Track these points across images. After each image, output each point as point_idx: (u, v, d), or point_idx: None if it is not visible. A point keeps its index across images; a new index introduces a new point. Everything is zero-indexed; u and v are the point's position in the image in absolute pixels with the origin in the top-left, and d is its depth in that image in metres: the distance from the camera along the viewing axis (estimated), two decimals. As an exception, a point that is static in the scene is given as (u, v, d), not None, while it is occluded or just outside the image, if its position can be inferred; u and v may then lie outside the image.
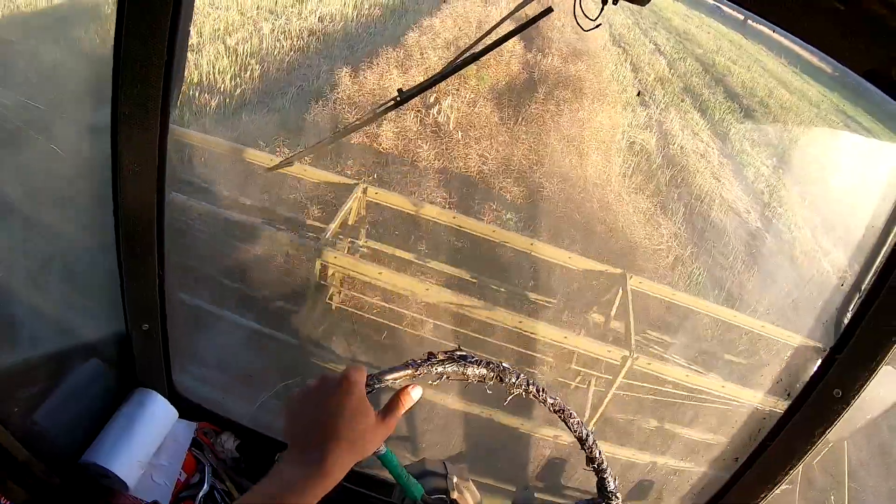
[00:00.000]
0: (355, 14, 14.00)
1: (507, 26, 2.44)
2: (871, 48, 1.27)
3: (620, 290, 5.40)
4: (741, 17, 26.14)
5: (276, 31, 11.94)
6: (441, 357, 1.46)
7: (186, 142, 5.54)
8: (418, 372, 1.43)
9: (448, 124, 9.81)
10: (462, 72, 10.37)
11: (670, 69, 18.82)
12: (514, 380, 1.51)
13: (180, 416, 2.35)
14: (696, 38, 25.71)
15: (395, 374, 1.42)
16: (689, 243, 9.36)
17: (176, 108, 1.74)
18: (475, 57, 2.46)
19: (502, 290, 5.99)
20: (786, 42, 24.37)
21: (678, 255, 8.96)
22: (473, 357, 1.49)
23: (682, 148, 12.87)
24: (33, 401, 2.02)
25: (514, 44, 13.28)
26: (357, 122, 4.10)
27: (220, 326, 4.82)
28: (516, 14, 2.74)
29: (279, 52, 11.39)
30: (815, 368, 1.79)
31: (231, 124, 8.63)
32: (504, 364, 1.51)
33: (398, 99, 2.66)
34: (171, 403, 2.31)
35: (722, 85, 19.38)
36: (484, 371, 1.49)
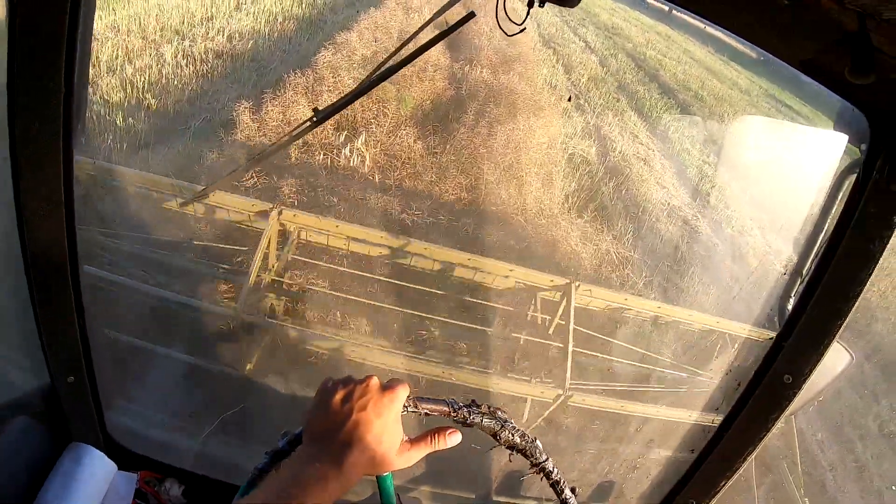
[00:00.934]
0: (267, 30, 12.58)
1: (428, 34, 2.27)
2: (807, 41, 1.29)
3: (564, 300, 5.10)
4: (665, 9, 26.60)
5: (178, 56, 10.59)
6: (484, 409, 1.43)
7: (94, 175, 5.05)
8: (456, 413, 1.39)
9: (363, 165, 8.32)
10: (381, 94, 9.39)
11: (603, 67, 18.38)
12: (541, 458, 1.51)
13: (120, 467, 2.22)
14: (624, 32, 25.54)
15: (433, 406, 1.36)
16: (644, 267, 8.67)
17: (78, 142, 1.59)
18: (393, 69, 2.36)
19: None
20: (710, 30, 24.64)
21: (628, 277, 8.37)
22: (511, 423, 1.46)
23: (622, 154, 12.13)
24: None
25: (440, 55, 12.08)
26: (272, 147, 3.76)
27: (153, 365, 4.53)
28: (438, 21, 2.61)
29: (181, 81, 9.99)
30: (763, 356, 1.80)
31: (132, 163, 7.54)
32: (537, 441, 1.50)
33: (314, 119, 2.56)
34: (109, 454, 2.18)
35: (656, 81, 19.08)
36: (516, 440, 1.47)
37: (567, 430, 5.22)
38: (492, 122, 10.17)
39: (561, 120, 12.12)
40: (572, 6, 1.49)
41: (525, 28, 1.75)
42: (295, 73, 10.12)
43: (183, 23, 12.17)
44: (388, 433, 1.21)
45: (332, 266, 5.52)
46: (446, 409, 1.38)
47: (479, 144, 9.51)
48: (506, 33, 1.78)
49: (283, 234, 5.24)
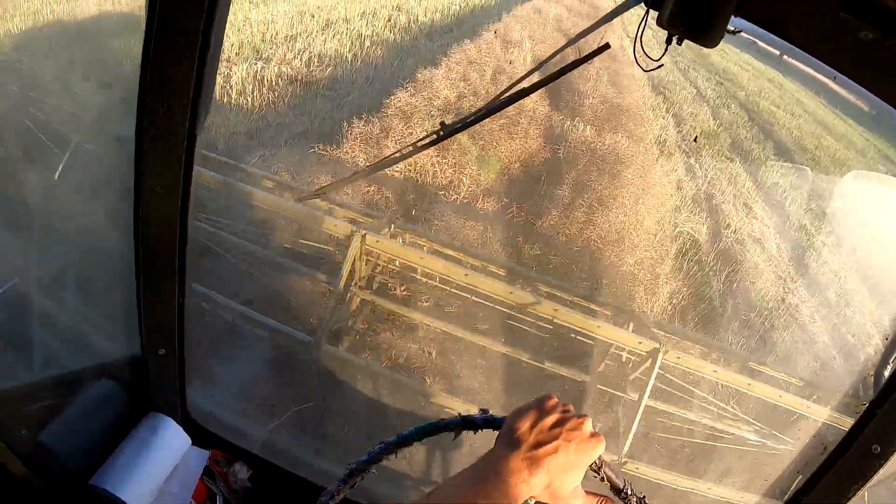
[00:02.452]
0: (350, 56, 11.04)
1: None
2: None
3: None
4: (776, 53, 27.13)
5: (247, 79, 9.17)
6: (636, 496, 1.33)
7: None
8: (626, 497, 1.30)
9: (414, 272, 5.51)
10: (459, 153, 7.68)
11: (715, 119, 16.37)
12: None
13: (193, 443, 2.23)
14: (736, 78, 24.07)
15: (613, 477, 1.27)
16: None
17: (202, 131, 1.61)
18: (522, 94, 2.24)
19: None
20: (821, 77, 23.94)
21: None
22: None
23: (735, 233, 10.05)
24: (43, 420, 1.92)
25: (538, 103, 10.14)
26: (396, 155, 3.40)
27: (238, 352, 4.63)
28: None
29: (237, 112, 8.47)
30: (852, 423, 1.67)
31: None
32: None
33: (440, 133, 2.50)
34: (185, 430, 2.20)
35: (770, 138, 17.11)
36: None
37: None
38: (592, 201, 8.18)
39: (670, 189, 9.99)
40: (712, 46, 1.33)
41: (662, 65, 1.70)
42: (362, 117, 8.37)
43: (264, 40, 10.81)
44: (573, 473, 1.16)
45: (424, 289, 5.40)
46: (620, 486, 1.29)
47: (575, 233, 7.45)
48: (643, 69, 1.75)
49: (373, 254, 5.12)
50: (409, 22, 13.58)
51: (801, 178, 13.96)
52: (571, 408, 1.21)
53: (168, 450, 2.12)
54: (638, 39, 1.66)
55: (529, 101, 9.71)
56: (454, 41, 12.40)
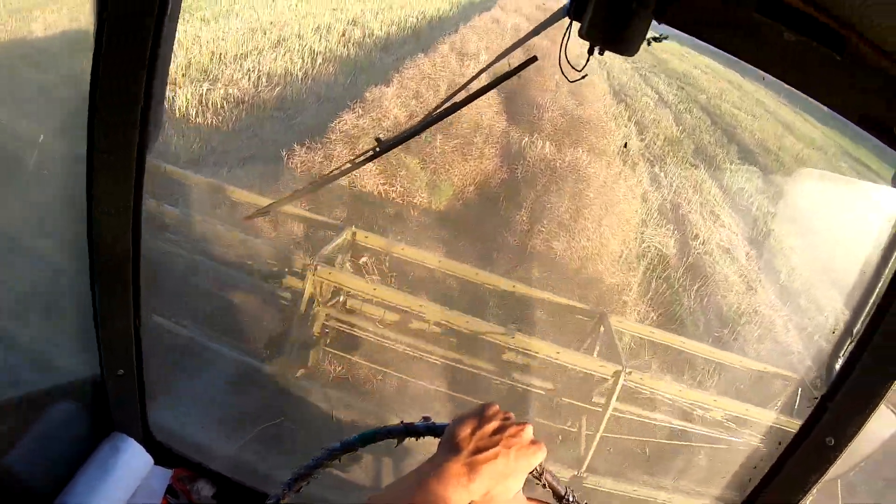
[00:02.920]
0: (301, 74, 10.38)
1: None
2: (864, 95, 1.28)
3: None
4: None
5: (190, 104, 8.62)
6: None
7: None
8: (567, 499, 1.32)
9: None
10: (409, 179, 7.17)
11: (678, 125, 16.14)
12: None
13: (156, 462, 2.19)
14: (696, 81, 24.14)
15: (555, 484, 1.30)
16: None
17: (151, 150, 1.61)
18: (457, 107, 2.10)
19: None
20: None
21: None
22: None
23: (704, 244, 9.70)
24: (4, 443, 1.90)
25: (494, 117, 9.63)
26: (335, 172, 3.32)
27: (200, 368, 4.47)
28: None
29: (176, 141, 7.84)
30: (806, 416, 1.68)
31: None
32: None
33: (377, 149, 2.33)
34: (147, 449, 2.15)
35: (734, 141, 16.94)
36: None
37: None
38: (552, 227, 7.63)
39: (636, 204, 9.56)
40: (630, 55, 1.40)
41: (586, 75, 1.70)
42: (304, 143, 7.80)
43: (212, 59, 10.24)
44: (513, 480, 1.15)
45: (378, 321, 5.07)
46: (562, 492, 1.31)
47: (534, 263, 6.95)
48: (568, 79, 1.70)
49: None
50: (364, 36, 13.01)
51: (766, 181, 13.90)
52: (512, 416, 1.20)
53: (130, 470, 2.09)
54: (563, 49, 1.68)
55: (486, 118, 9.26)
56: (408, 55, 11.85)
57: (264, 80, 9.81)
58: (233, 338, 4.81)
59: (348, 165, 2.90)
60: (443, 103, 2.33)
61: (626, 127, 13.41)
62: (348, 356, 5.14)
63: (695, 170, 13.12)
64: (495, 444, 1.13)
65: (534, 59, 1.78)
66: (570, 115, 10.68)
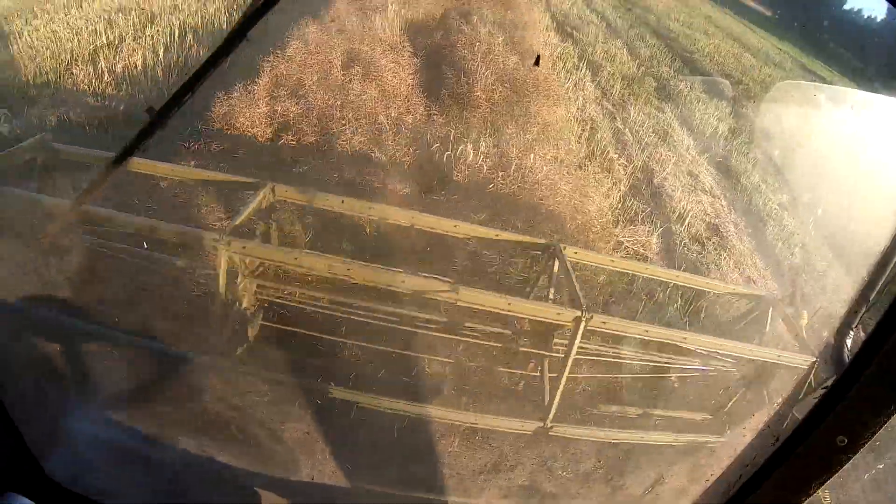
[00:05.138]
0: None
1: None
2: None
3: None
4: None
5: None
6: None
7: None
8: None
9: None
10: None
11: (634, 59, 13.50)
12: None
13: None
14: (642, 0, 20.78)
15: None
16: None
17: None
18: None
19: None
20: None
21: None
22: None
23: (689, 227, 7.70)
24: None
25: (412, 111, 6.99)
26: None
27: (95, 407, 3.84)
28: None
29: None
30: (810, 407, 1.38)
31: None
32: None
33: (152, 121, 2.13)
34: (46, 499, 1.92)
35: (695, 69, 14.85)
36: None
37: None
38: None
39: (604, 189, 7.22)
40: None
41: None
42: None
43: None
44: None
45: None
46: None
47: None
48: None
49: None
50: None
51: (741, 119, 11.69)
52: None
53: None
54: None
55: (395, 101, 6.70)
56: (301, 15, 8.88)
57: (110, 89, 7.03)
58: (146, 332, 4.23)
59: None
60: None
61: (578, 69, 10.92)
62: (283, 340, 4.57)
63: (661, 115, 10.72)
64: None
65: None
66: (511, 80, 7.97)
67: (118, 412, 3.92)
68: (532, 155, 6.68)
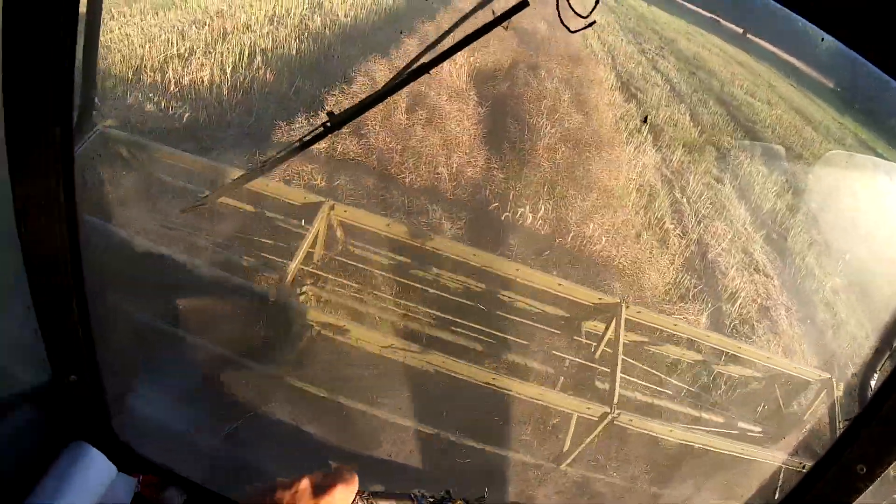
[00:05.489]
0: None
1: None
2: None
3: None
4: (740, 31, 24.86)
5: None
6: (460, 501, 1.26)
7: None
8: None
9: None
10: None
11: (696, 125, 13.39)
12: None
13: (122, 469, 1.93)
14: (707, 64, 21.08)
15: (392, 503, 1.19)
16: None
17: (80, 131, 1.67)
18: (424, 69, 1.94)
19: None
20: (785, 55, 22.46)
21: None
22: None
23: (741, 308, 7.39)
24: None
25: (464, 152, 6.91)
26: (282, 154, 2.79)
27: (170, 370, 4.01)
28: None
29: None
30: (835, 440, 1.48)
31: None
32: None
33: (328, 125, 2.20)
34: (112, 455, 1.88)
35: (755, 138, 14.47)
36: None
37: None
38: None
39: (662, 265, 7.01)
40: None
41: (594, 22, 1.52)
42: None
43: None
44: None
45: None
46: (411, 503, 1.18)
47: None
48: (569, 29, 1.55)
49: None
50: (324, 26, 10.12)
51: (799, 195, 11.37)
52: (278, 482, 1.12)
53: (92, 481, 1.80)
54: None
55: (458, 165, 6.62)
56: (372, 50, 8.98)
57: (175, 101, 7.10)
58: (207, 332, 4.28)
59: (297, 145, 2.57)
60: (406, 67, 2.07)
61: (637, 134, 10.67)
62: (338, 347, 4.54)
63: (721, 187, 10.51)
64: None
65: (525, 3, 1.58)
66: (574, 139, 7.87)
67: (190, 387, 4.04)
68: (591, 224, 6.52)
